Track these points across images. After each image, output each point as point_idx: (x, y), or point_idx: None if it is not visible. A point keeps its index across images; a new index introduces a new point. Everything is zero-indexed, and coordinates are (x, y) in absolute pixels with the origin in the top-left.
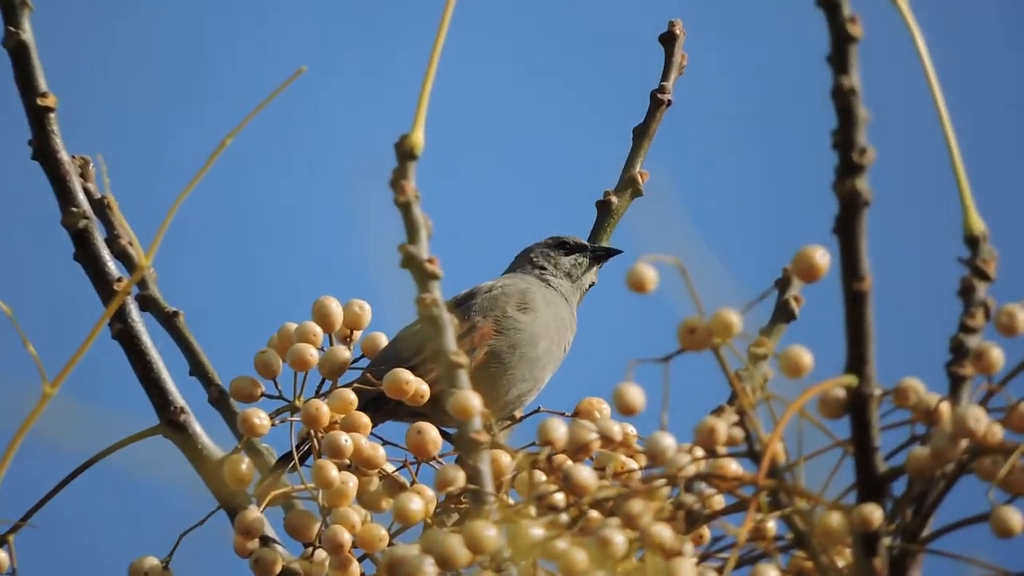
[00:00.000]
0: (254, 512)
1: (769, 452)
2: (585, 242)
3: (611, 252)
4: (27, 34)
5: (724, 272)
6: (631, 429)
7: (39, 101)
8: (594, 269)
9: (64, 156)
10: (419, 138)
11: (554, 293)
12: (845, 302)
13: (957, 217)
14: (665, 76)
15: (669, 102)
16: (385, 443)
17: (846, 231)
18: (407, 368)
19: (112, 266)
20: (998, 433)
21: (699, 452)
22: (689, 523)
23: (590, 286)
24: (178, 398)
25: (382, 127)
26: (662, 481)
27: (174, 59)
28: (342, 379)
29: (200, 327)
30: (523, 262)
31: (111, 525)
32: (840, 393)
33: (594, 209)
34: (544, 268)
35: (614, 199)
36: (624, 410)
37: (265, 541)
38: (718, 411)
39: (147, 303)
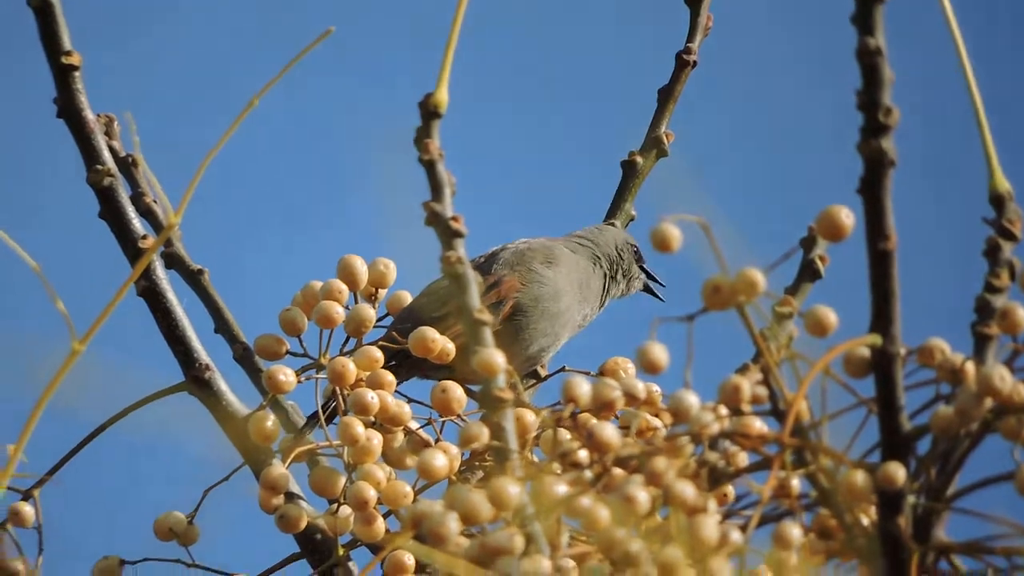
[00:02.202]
0: (279, 468)
1: (793, 410)
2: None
3: (655, 288)
4: None
5: (746, 233)
6: (656, 388)
7: (64, 59)
8: (633, 287)
9: (89, 114)
10: (443, 96)
11: (592, 266)
12: (870, 261)
13: (982, 176)
14: (690, 37)
15: (695, 63)
16: (410, 401)
17: (871, 191)
18: (431, 323)
19: (137, 224)
20: (1023, 392)
21: (723, 410)
22: (713, 481)
23: (622, 295)
24: (203, 355)
25: (409, 88)
26: (686, 439)
27: (201, 19)
28: (367, 337)
29: (225, 285)
30: (593, 237)
31: (136, 481)
32: (865, 352)
33: (619, 169)
34: (622, 259)
35: (639, 159)
36: (648, 368)
37: (290, 497)
38: (742, 369)
39: (172, 260)
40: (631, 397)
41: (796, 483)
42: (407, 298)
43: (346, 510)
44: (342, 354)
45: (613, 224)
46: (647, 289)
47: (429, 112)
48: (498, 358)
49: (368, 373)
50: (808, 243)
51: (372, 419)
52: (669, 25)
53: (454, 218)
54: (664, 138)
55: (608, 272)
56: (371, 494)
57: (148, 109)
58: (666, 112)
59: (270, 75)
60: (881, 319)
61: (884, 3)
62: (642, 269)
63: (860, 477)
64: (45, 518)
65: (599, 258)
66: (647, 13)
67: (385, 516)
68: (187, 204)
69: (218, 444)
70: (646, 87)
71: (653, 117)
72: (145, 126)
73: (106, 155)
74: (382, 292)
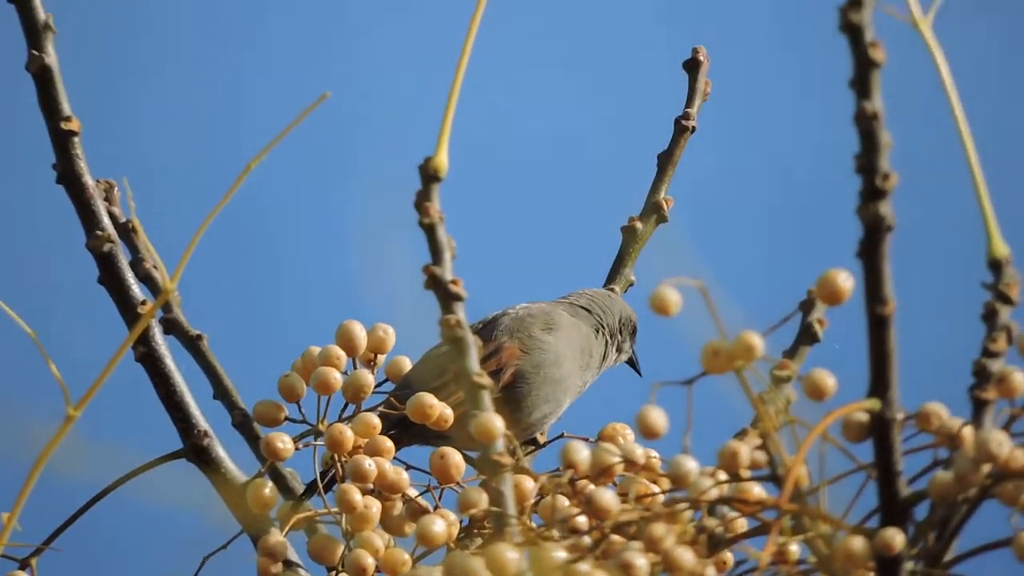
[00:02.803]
0: (277, 536)
1: (792, 476)
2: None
3: (637, 369)
4: (51, 58)
5: (744, 298)
6: (654, 453)
7: (63, 125)
8: (620, 359)
9: (88, 180)
10: (443, 160)
11: (591, 331)
12: (868, 326)
13: (981, 241)
14: (689, 103)
15: (693, 128)
16: (408, 467)
17: (870, 255)
18: (430, 390)
19: (136, 289)
20: (1021, 458)
21: (722, 475)
22: (711, 547)
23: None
24: (202, 421)
25: (407, 150)
26: (684, 504)
27: (198, 83)
28: (366, 403)
29: (224, 351)
30: (595, 303)
31: (134, 549)
32: (863, 417)
33: (619, 235)
34: (621, 332)
35: (639, 225)
36: (647, 433)
37: (288, 565)
38: (741, 434)
39: (171, 326)
40: (630, 462)
41: (795, 548)
42: (406, 363)
43: None
44: (340, 420)
45: (613, 290)
46: (630, 362)
47: (429, 175)
48: (497, 422)
49: (366, 440)
50: (807, 306)
51: (370, 486)
52: (668, 90)
53: (453, 281)
54: (664, 203)
55: (608, 340)
56: (369, 561)
57: (146, 174)
58: (665, 177)
59: (268, 138)
60: (879, 384)
61: (881, 68)
62: (629, 352)
63: (858, 543)
64: None
65: (603, 327)
66: (646, 78)
67: None
68: (185, 270)
69: (216, 511)
70: (645, 152)
71: (652, 182)
72: (144, 191)
73: (106, 221)
74: (381, 357)
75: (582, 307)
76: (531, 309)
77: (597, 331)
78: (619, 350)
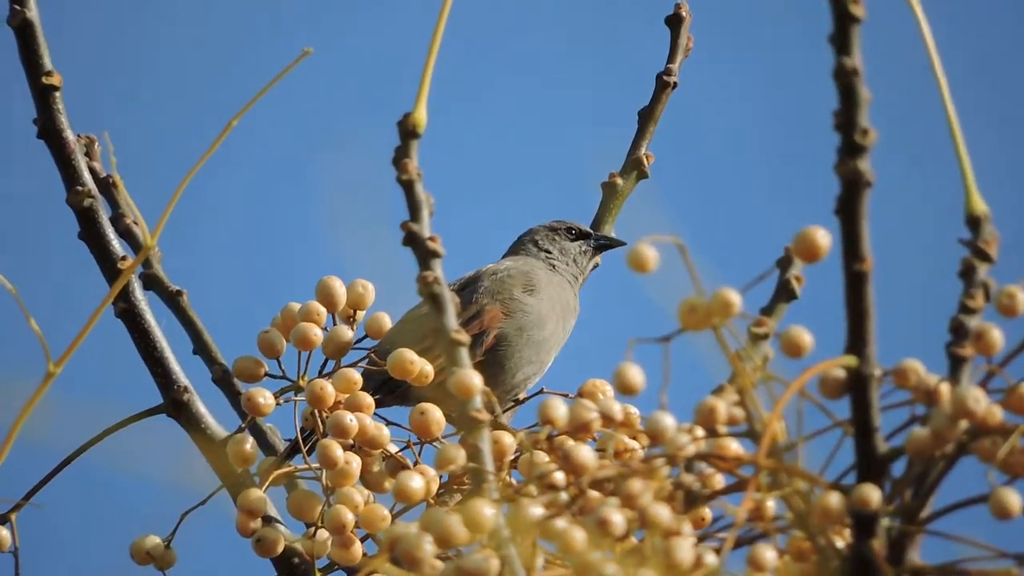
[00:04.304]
0: (257, 492)
1: (769, 432)
2: (590, 230)
3: (615, 242)
4: (32, 12)
5: (722, 254)
6: (633, 409)
7: (44, 80)
8: (597, 257)
9: (69, 135)
10: (422, 116)
11: (558, 276)
12: (846, 283)
13: (959, 197)
14: (671, 59)
15: (675, 84)
16: (389, 424)
17: (847, 212)
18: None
19: (116, 245)
20: (997, 414)
21: (699, 432)
22: (688, 503)
23: (593, 268)
24: (182, 377)
25: (388, 105)
26: (662, 461)
27: (180, 38)
28: (346, 359)
29: (204, 307)
30: (526, 244)
31: (114, 505)
32: (840, 373)
33: (599, 191)
34: (549, 252)
35: (619, 181)
36: (624, 390)
37: (268, 521)
38: (718, 391)
39: (151, 282)
40: (608, 419)
41: (771, 505)
42: (386, 319)
43: (324, 534)
44: (321, 376)
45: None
46: (603, 247)
47: (407, 132)
48: (475, 379)
49: (347, 395)
50: (784, 264)
51: (351, 442)
52: (649, 46)
53: (431, 238)
54: (644, 159)
55: (569, 271)
56: (349, 518)
57: (128, 129)
58: (646, 133)
59: (250, 95)
60: (857, 340)
61: (861, 23)
62: (592, 243)
63: (834, 499)
64: (22, 542)
65: (553, 263)
66: (628, 34)
67: (363, 540)
68: (165, 226)
69: (196, 467)
70: (626, 108)
71: (634, 138)
72: (124, 147)
73: (86, 176)
74: (360, 314)
75: (530, 254)
76: (508, 270)
77: (553, 266)
78: (575, 262)
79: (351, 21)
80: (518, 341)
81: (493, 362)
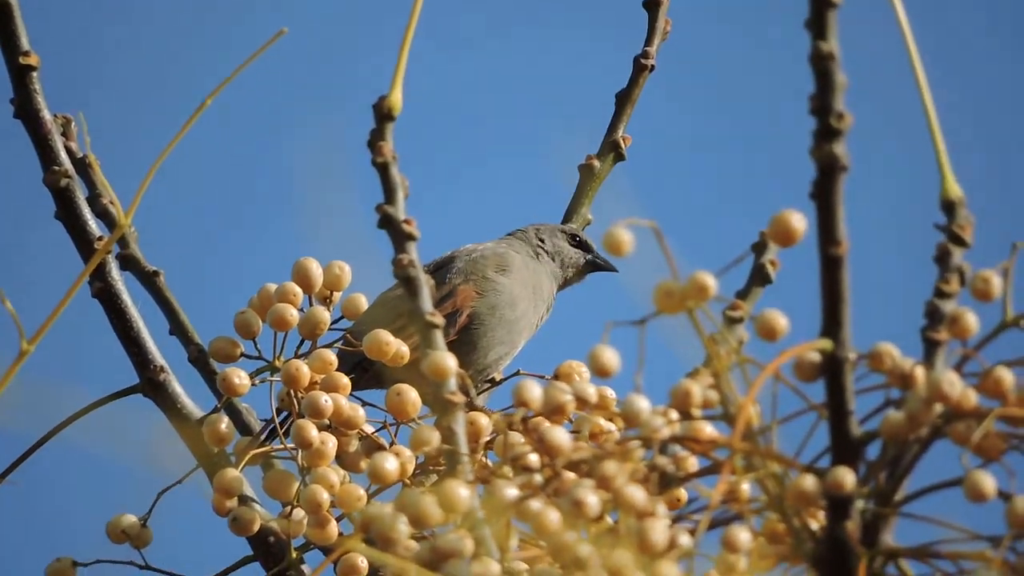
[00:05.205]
0: (233, 471)
1: (743, 415)
2: (593, 247)
3: (608, 267)
4: None
5: (698, 237)
6: (608, 392)
7: (21, 60)
8: (584, 274)
9: (46, 115)
10: (397, 99)
11: (537, 264)
12: (821, 266)
13: (934, 182)
14: (648, 41)
15: (652, 67)
16: (365, 404)
17: (823, 196)
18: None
19: (93, 225)
20: (972, 398)
21: (674, 414)
22: (663, 485)
23: (578, 281)
24: (158, 357)
25: (365, 89)
26: (636, 443)
27: (156, 19)
28: (322, 340)
29: (180, 287)
30: (527, 230)
31: (90, 483)
32: (815, 357)
33: (576, 173)
34: (543, 242)
35: (596, 163)
36: (599, 372)
37: (244, 500)
38: (694, 374)
39: (128, 262)
40: (583, 401)
41: (746, 487)
42: (362, 301)
43: (299, 513)
44: (297, 357)
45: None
46: (595, 267)
47: (383, 114)
48: (449, 361)
49: (322, 376)
50: (759, 248)
51: (326, 422)
52: (627, 29)
53: (407, 221)
54: (622, 142)
55: (553, 267)
56: (324, 497)
57: (103, 109)
58: (624, 116)
59: (224, 75)
60: (832, 324)
61: (837, 8)
62: (580, 248)
63: (809, 482)
64: None
65: (541, 253)
66: (606, 17)
67: (338, 519)
68: (141, 206)
69: (172, 446)
70: (603, 91)
71: (611, 121)
72: (100, 127)
73: (63, 156)
74: (337, 295)
75: (522, 240)
76: (483, 251)
77: (542, 262)
78: (562, 264)
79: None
80: (490, 320)
81: (466, 341)
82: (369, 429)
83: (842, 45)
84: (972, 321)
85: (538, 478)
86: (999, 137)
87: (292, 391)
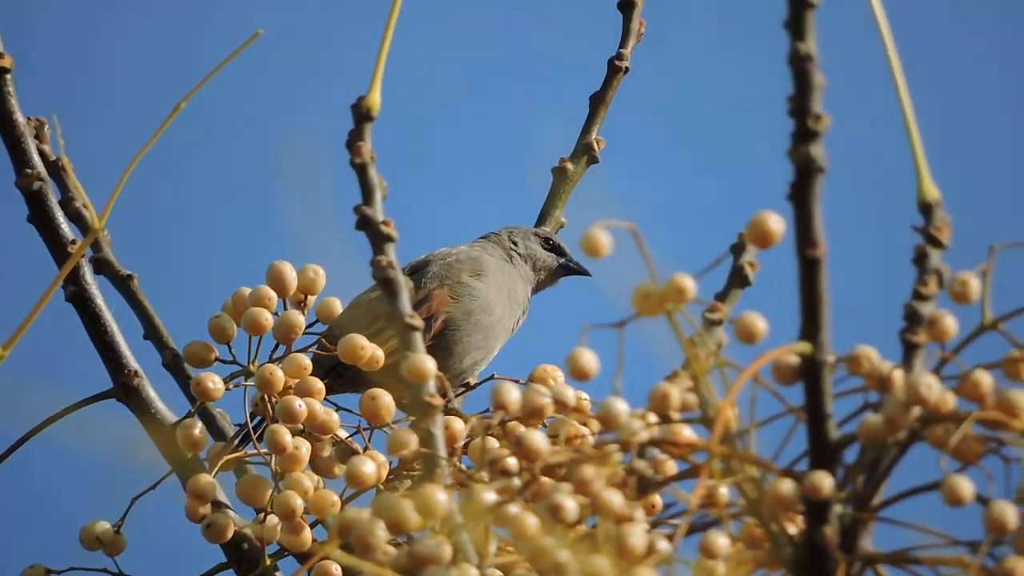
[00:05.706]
0: (206, 477)
1: (722, 418)
2: (567, 251)
3: (581, 271)
4: None
5: (676, 240)
6: (585, 395)
7: None
8: (557, 278)
9: (19, 117)
10: (376, 99)
11: (511, 267)
12: (799, 268)
13: (911, 183)
14: (623, 43)
15: (626, 69)
16: (339, 409)
17: (800, 197)
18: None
19: (66, 228)
20: (950, 401)
21: (652, 418)
22: (641, 489)
23: (550, 284)
24: (132, 361)
25: (341, 89)
26: (614, 447)
27: (131, 22)
28: (296, 344)
29: (155, 291)
30: (500, 233)
31: (63, 489)
32: (793, 360)
33: (549, 176)
34: (515, 245)
35: (570, 166)
36: (578, 375)
37: (217, 506)
38: (672, 377)
39: (101, 266)
40: (560, 404)
41: (724, 492)
42: (337, 305)
43: (273, 519)
44: (271, 361)
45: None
46: (568, 270)
47: (361, 115)
48: (429, 363)
49: (297, 380)
50: (738, 249)
51: (300, 427)
52: (601, 31)
53: (385, 222)
54: (595, 144)
55: (526, 270)
56: (298, 503)
57: (77, 112)
58: (597, 118)
59: (200, 77)
60: (810, 327)
61: (816, 8)
62: (553, 251)
63: (787, 486)
64: None
65: (514, 256)
66: (579, 18)
67: (312, 525)
68: (114, 209)
69: (145, 452)
70: (577, 93)
71: (584, 123)
72: (74, 130)
73: (36, 159)
74: (311, 299)
75: (495, 243)
76: (458, 255)
77: (516, 266)
78: (534, 266)
79: (304, 3)
80: (466, 325)
81: (442, 347)
82: (343, 434)
83: (820, 43)
84: (951, 324)
85: (516, 482)
86: (977, 139)
87: (266, 396)
